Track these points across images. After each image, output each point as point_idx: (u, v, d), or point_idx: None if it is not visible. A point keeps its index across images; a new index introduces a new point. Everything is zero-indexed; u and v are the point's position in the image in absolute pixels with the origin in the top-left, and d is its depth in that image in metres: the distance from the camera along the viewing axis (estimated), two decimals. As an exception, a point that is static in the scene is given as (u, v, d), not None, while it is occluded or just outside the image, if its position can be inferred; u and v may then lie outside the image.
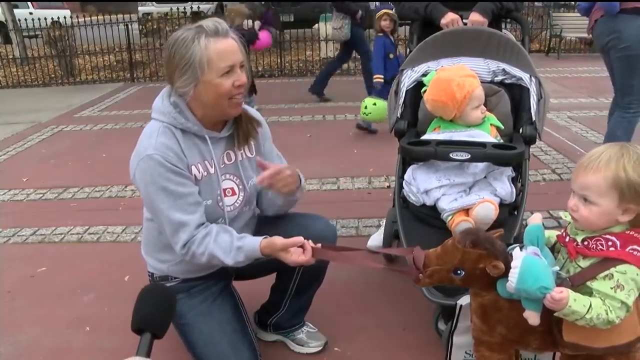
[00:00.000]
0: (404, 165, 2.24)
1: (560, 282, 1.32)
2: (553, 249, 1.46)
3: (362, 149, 4.78)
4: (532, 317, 1.33)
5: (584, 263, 1.34)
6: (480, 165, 2.04)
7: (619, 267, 1.27)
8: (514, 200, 2.05)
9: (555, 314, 1.31)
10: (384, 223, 2.68)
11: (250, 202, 1.89)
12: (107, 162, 4.71)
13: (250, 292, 2.11)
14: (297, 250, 1.63)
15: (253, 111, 1.92)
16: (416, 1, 2.61)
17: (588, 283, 1.30)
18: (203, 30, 1.62)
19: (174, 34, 1.69)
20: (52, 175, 4.40)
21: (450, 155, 1.95)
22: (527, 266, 1.28)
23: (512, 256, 1.34)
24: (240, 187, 1.84)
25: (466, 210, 1.97)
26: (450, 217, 1.99)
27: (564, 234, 1.43)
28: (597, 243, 1.32)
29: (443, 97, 2.07)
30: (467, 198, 1.99)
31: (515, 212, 2.06)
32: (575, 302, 1.26)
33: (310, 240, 1.65)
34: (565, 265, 1.39)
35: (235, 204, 1.83)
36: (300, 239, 1.63)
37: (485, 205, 1.92)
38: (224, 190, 1.80)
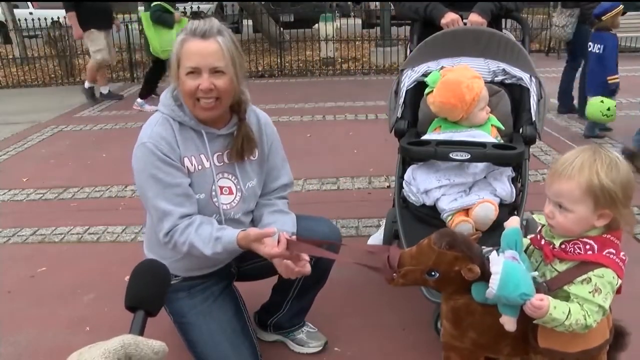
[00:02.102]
0: (404, 165, 2.24)
1: (537, 286, 1.30)
2: (526, 251, 1.43)
3: (362, 149, 4.78)
4: (509, 323, 1.31)
5: (561, 267, 1.33)
6: (480, 165, 2.04)
7: (596, 270, 1.26)
8: (513, 200, 2.05)
9: (535, 322, 1.30)
10: (384, 223, 2.68)
11: (247, 204, 1.88)
12: (107, 162, 4.71)
13: (250, 292, 2.11)
14: (271, 242, 1.61)
15: (260, 112, 1.92)
16: (416, 1, 2.61)
17: (565, 287, 1.29)
18: (186, 29, 1.69)
19: None
20: (52, 175, 4.40)
21: (450, 155, 1.95)
22: (508, 272, 1.26)
23: (488, 260, 1.32)
24: (238, 187, 1.84)
25: (466, 211, 1.97)
26: (450, 217, 1.99)
27: (538, 236, 1.40)
28: (575, 246, 1.31)
29: (452, 99, 2.06)
30: (467, 198, 2.00)
31: (515, 212, 2.06)
32: (555, 310, 1.24)
33: (285, 232, 1.64)
34: (540, 268, 1.38)
35: (232, 203, 1.83)
36: (273, 229, 1.63)
37: (485, 206, 1.92)
38: (221, 188, 1.80)
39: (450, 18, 2.48)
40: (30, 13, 12.42)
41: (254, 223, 1.92)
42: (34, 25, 9.44)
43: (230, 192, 1.83)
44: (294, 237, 1.65)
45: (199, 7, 14.93)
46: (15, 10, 11.10)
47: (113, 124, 6.10)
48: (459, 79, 2.06)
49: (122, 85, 8.78)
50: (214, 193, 1.79)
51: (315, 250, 1.67)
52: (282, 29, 10.58)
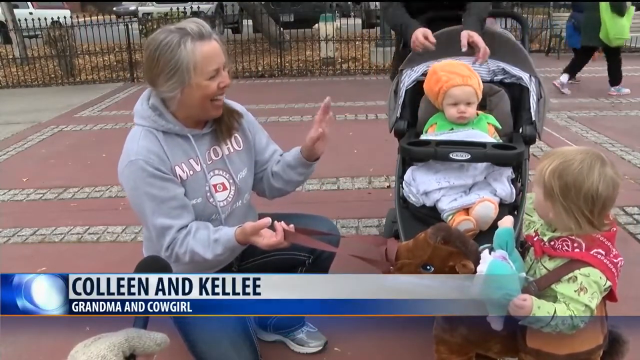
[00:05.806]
0: (404, 166, 2.24)
1: (527, 285, 1.31)
2: (527, 251, 1.44)
3: (362, 149, 4.78)
4: (495, 321, 1.32)
5: (550, 264, 1.34)
6: (480, 167, 2.03)
7: (582, 269, 1.27)
8: (513, 200, 2.05)
9: (520, 322, 1.30)
10: (384, 223, 2.68)
11: (242, 195, 1.89)
12: (107, 162, 4.70)
13: (250, 292, 2.10)
14: (269, 234, 1.59)
15: (234, 104, 1.92)
16: (397, 17, 2.43)
17: (553, 286, 1.30)
18: (188, 34, 1.61)
19: (154, 36, 1.67)
20: (52, 175, 4.40)
21: (450, 155, 1.94)
22: (492, 271, 1.27)
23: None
24: (231, 181, 1.84)
25: (466, 210, 1.97)
26: (450, 217, 1.98)
27: (533, 233, 1.42)
28: (563, 244, 1.32)
29: (426, 85, 2.15)
30: (466, 198, 1.99)
31: (516, 213, 2.06)
32: (539, 310, 1.25)
33: (282, 222, 1.62)
34: (532, 266, 1.39)
35: (228, 198, 1.83)
36: (267, 219, 1.60)
37: (485, 204, 1.92)
38: (215, 185, 1.80)
39: (414, 37, 2.25)
40: (30, 13, 12.43)
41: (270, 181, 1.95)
42: (34, 25, 9.44)
43: (225, 188, 1.82)
44: (292, 227, 1.62)
45: (199, 7, 14.94)
46: (15, 10, 11.10)
47: (113, 124, 6.10)
48: (436, 69, 2.11)
49: (122, 85, 8.78)
50: (209, 194, 1.78)
51: (314, 242, 1.66)
52: (282, 29, 10.57)
